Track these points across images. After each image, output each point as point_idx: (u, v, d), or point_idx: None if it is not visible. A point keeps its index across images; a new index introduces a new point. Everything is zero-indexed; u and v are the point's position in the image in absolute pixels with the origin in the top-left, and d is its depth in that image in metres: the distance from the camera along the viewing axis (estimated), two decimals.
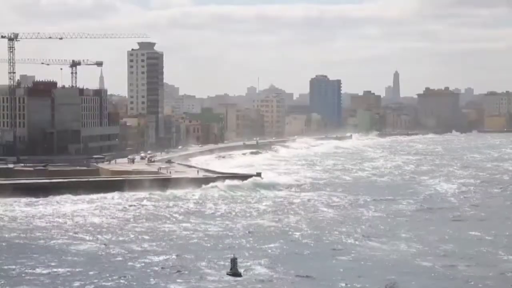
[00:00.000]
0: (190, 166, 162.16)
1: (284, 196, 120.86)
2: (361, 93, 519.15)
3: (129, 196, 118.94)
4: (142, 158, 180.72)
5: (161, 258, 71.89)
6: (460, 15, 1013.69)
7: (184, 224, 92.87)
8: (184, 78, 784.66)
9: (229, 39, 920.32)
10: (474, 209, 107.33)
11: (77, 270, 66.50)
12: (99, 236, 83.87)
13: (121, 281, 63.20)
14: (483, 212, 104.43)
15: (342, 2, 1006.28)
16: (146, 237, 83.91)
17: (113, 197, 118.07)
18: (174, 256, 72.49)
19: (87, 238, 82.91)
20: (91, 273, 65.52)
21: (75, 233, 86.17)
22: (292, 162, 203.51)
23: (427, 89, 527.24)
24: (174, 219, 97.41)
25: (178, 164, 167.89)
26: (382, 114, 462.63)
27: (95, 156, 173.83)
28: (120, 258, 72.04)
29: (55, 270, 66.61)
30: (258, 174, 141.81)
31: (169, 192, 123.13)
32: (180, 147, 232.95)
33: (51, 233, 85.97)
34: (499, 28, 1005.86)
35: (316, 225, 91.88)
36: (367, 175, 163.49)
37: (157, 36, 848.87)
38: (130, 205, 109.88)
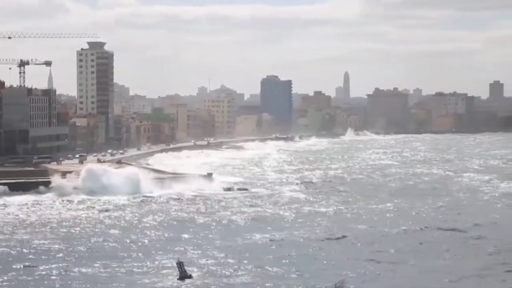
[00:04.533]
0: (141, 167, 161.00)
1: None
2: (311, 94, 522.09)
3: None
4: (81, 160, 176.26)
5: (110, 262, 71.47)
6: (409, 16, 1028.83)
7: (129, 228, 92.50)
8: (135, 78, 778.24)
9: (180, 39, 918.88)
10: None
11: None
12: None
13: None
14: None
15: (293, 3, 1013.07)
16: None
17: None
18: (122, 262, 72.13)
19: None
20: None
21: None
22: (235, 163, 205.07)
23: (377, 89, 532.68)
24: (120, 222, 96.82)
25: (128, 164, 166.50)
26: (333, 114, 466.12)
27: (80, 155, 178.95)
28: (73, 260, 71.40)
29: None
30: (209, 174, 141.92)
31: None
32: (136, 148, 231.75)
33: None
34: (448, 29, 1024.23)
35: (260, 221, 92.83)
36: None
37: (106, 36, 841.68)
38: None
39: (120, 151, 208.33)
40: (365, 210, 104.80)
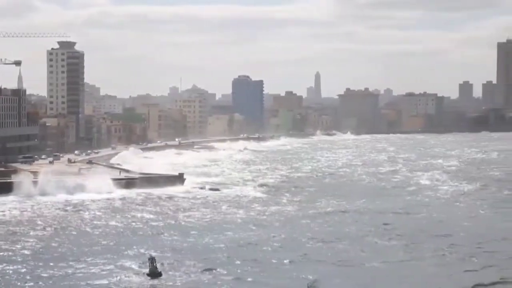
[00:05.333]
0: (111, 167, 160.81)
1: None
2: (283, 94, 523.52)
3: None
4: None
5: (82, 260, 71.55)
6: (380, 17, 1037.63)
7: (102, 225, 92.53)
8: (105, 78, 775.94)
9: (151, 39, 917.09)
10: None
11: None
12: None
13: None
14: None
15: (264, 3, 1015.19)
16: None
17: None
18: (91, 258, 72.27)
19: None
20: None
21: None
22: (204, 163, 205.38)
23: (348, 89, 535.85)
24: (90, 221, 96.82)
25: (100, 164, 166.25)
26: (304, 114, 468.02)
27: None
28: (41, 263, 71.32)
29: None
30: (181, 175, 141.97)
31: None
32: (110, 148, 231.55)
33: None
34: (418, 30, 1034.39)
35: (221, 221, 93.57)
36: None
37: (77, 36, 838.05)
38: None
39: (95, 151, 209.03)
40: (327, 209, 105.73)
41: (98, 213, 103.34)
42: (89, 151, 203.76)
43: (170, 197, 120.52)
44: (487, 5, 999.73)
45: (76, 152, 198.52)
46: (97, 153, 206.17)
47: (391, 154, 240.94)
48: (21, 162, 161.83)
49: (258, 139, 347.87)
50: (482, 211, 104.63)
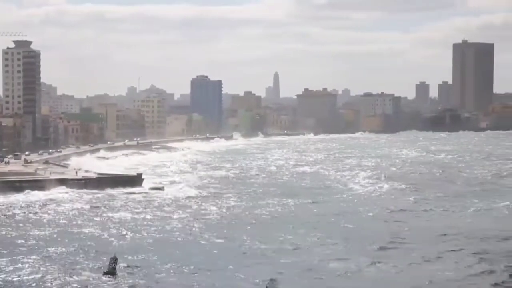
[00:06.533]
0: (67, 167, 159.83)
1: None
2: (242, 94, 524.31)
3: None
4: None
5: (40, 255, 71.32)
6: (337, 17, 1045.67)
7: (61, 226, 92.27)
8: (62, 78, 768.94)
9: (108, 38, 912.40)
10: None
11: None
12: None
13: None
14: None
15: (222, 3, 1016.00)
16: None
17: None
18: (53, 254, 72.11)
19: None
20: None
21: None
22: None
23: (306, 90, 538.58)
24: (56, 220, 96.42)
25: (56, 165, 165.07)
26: (263, 114, 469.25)
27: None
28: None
29: None
30: (139, 175, 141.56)
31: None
32: (60, 149, 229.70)
33: None
34: (375, 31, 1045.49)
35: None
36: None
37: (33, 35, 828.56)
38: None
39: (59, 150, 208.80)
40: (273, 209, 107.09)
41: (47, 214, 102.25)
42: (51, 151, 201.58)
43: (126, 198, 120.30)
44: (442, 6, 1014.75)
45: (26, 153, 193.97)
46: (59, 152, 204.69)
47: (342, 155, 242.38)
48: None
49: (215, 139, 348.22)
50: (425, 210, 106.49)
